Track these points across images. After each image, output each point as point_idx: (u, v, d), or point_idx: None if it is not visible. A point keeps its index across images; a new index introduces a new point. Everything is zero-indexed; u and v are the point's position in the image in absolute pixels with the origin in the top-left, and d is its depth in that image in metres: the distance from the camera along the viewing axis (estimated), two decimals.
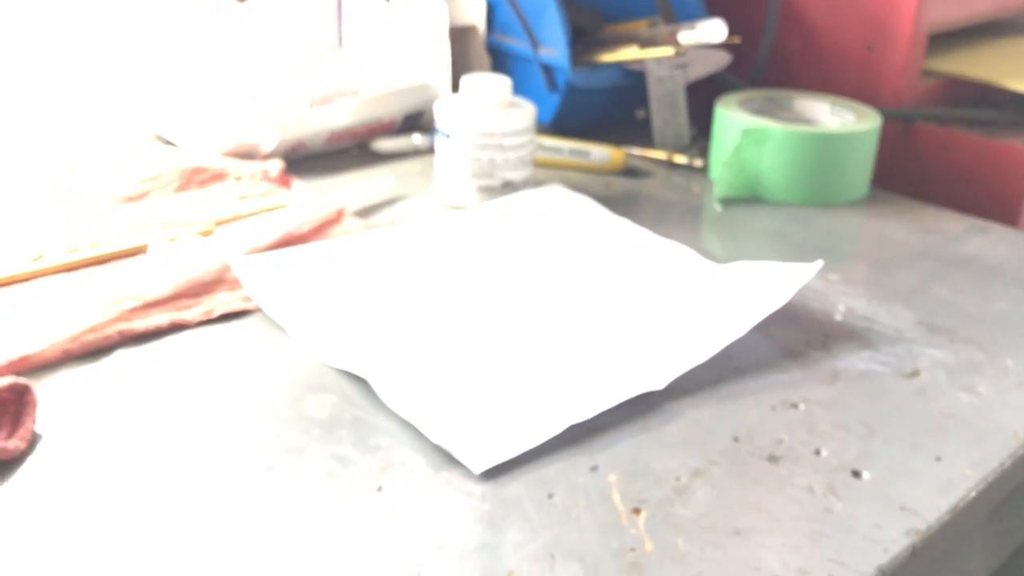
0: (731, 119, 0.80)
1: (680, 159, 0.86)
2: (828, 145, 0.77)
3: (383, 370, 0.51)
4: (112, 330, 0.54)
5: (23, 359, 0.51)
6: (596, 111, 0.91)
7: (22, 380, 0.47)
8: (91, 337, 0.53)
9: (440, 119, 0.74)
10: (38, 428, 0.47)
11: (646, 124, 0.91)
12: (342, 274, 0.61)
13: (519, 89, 0.81)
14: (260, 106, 0.81)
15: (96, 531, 0.40)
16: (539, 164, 0.83)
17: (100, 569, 0.38)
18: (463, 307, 0.58)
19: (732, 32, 0.83)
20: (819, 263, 0.59)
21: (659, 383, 0.51)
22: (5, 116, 0.86)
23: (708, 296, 0.59)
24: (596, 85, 0.87)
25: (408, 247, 0.66)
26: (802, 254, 0.69)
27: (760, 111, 0.85)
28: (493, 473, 0.44)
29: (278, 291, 0.59)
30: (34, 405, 0.47)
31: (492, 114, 0.73)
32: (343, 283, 0.60)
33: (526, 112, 0.74)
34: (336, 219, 0.70)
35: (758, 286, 0.58)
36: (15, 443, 0.45)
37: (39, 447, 0.46)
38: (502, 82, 0.74)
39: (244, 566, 0.38)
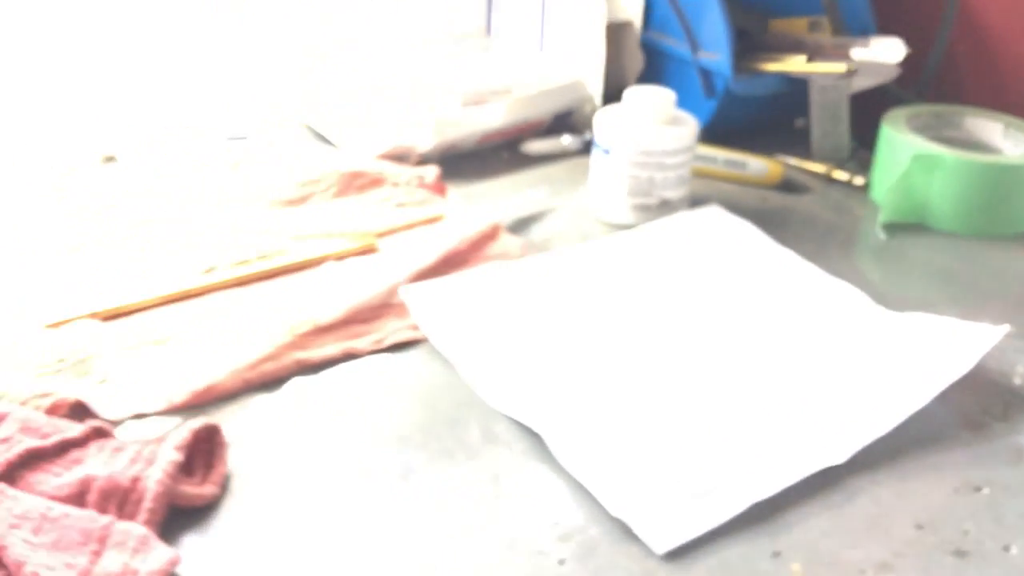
0: (900, 140, 0.76)
1: (840, 175, 0.82)
2: (1003, 175, 0.73)
3: (557, 425, 0.51)
4: (289, 359, 0.55)
5: (208, 389, 0.53)
6: (752, 118, 0.88)
7: (213, 421, 0.48)
8: (270, 367, 0.55)
9: (599, 133, 0.73)
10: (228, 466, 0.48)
11: (802, 133, 0.88)
12: (506, 304, 0.61)
13: (672, 89, 0.79)
14: (416, 107, 0.80)
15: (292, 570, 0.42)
16: (692, 173, 0.81)
17: None
18: (629, 350, 0.57)
19: (902, 37, 0.79)
20: (1006, 327, 0.56)
21: (841, 456, 0.50)
22: (165, 109, 0.87)
23: (886, 355, 0.57)
24: (756, 93, 0.84)
25: (569, 274, 0.65)
26: (972, 296, 0.66)
27: (927, 128, 0.81)
28: (675, 553, 0.44)
29: (445, 322, 0.59)
30: (225, 447, 0.48)
31: (654, 132, 0.71)
32: (508, 315, 0.60)
33: (688, 130, 0.72)
34: (492, 235, 0.70)
35: (941, 347, 0.56)
36: (211, 489, 0.46)
37: (230, 486, 0.47)
38: (666, 97, 0.72)
39: None
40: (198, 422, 0.48)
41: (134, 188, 0.73)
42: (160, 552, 0.41)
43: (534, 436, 0.51)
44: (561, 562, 0.44)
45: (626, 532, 0.45)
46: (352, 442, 0.50)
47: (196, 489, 0.46)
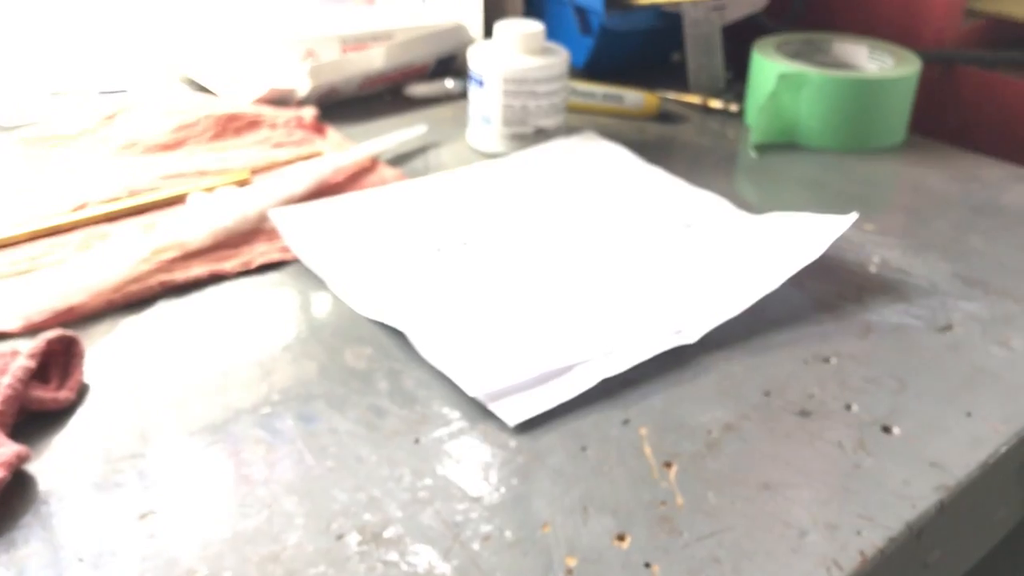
0: (768, 64, 0.78)
1: (715, 104, 0.85)
2: (866, 90, 0.76)
3: (419, 322, 0.51)
4: (154, 280, 0.55)
5: (69, 310, 0.52)
6: (630, 54, 0.90)
7: (69, 332, 0.48)
8: (134, 288, 0.55)
9: (473, 65, 0.74)
10: (85, 378, 0.48)
11: (681, 68, 0.90)
12: (378, 225, 0.62)
13: (551, 32, 0.80)
14: (294, 52, 0.81)
15: (141, 477, 0.42)
16: (572, 109, 0.82)
17: (149, 513, 0.40)
18: (496, 257, 0.59)
19: None
20: (854, 215, 0.59)
21: (692, 336, 0.51)
22: (41, 61, 0.86)
23: (742, 248, 0.59)
24: (631, 28, 0.86)
25: (442, 197, 0.66)
26: (838, 203, 0.69)
27: (797, 55, 0.83)
28: (527, 426, 0.45)
29: (316, 242, 0.59)
30: (81, 356, 0.48)
31: (525, 61, 0.72)
32: (379, 234, 0.61)
33: (560, 59, 0.73)
34: (370, 168, 0.71)
35: (793, 237, 0.58)
36: (65, 394, 0.46)
37: (87, 397, 0.47)
38: (535, 28, 0.73)
39: (281, 516, 0.40)
40: (53, 332, 0.48)
41: (7, 141, 0.72)
42: (6, 448, 0.41)
43: (398, 337, 0.52)
44: (416, 441, 0.44)
45: (483, 412, 0.46)
46: (214, 358, 0.51)
47: (50, 394, 0.46)
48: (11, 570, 0.37)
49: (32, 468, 0.42)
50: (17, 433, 0.43)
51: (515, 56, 0.72)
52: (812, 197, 0.70)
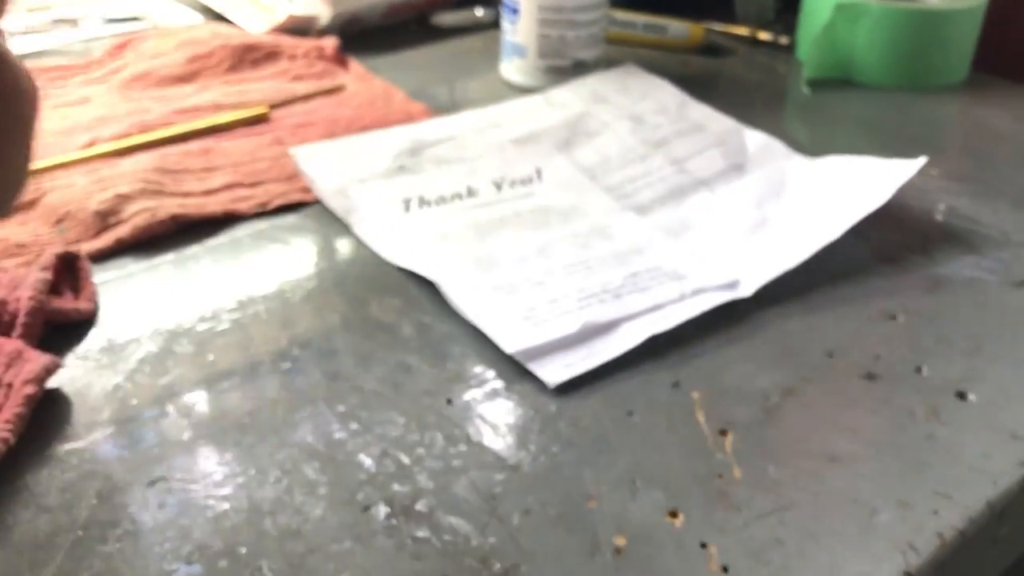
0: None
1: (764, 35, 0.79)
2: (930, 23, 0.70)
3: (452, 272, 0.48)
4: (165, 215, 0.51)
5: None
6: None
7: (72, 248, 0.46)
8: (142, 221, 0.51)
9: None
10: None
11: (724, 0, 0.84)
12: (406, 165, 0.58)
13: None
14: None
15: (149, 438, 0.38)
16: (611, 40, 0.77)
17: (160, 480, 0.36)
18: (536, 204, 0.54)
19: None
20: (922, 159, 0.54)
21: (747, 290, 0.47)
22: None
23: (800, 194, 0.55)
24: None
25: (474, 136, 0.61)
26: (899, 145, 0.64)
27: None
28: (568, 388, 0.41)
29: (339, 183, 0.55)
30: (89, 271, 0.47)
31: None
32: (407, 175, 0.57)
33: None
34: (393, 100, 0.66)
35: (855, 184, 0.53)
36: (85, 304, 0.45)
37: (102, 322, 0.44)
38: None
39: (302, 485, 0.36)
40: (58, 248, 0.45)
41: None
42: (36, 360, 0.38)
43: (429, 288, 0.48)
44: (448, 401, 0.41)
45: (521, 371, 0.42)
46: (230, 308, 0.47)
47: (71, 304, 0.44)
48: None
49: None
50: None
51: None
52: (869, 139, 0.65)
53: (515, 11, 0.68)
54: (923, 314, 0.47)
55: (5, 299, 0.42)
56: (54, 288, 0.44)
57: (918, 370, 0.43)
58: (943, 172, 0.61)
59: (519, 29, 0.68)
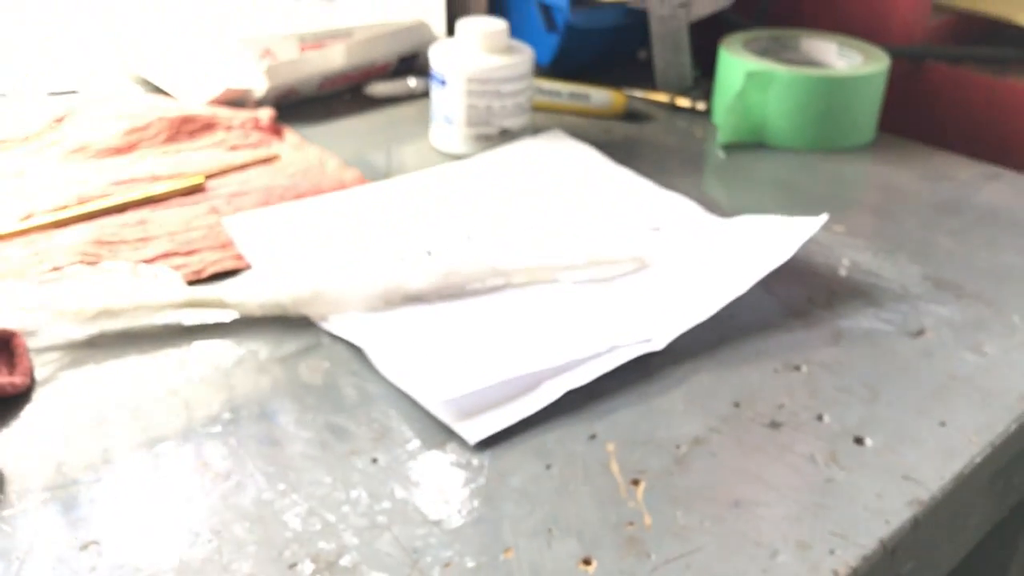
0: (735, 61, 0.77)
1: (683, 102, 0.83)
2: (835, 89, 0.75)
3: (376, 335, 0.50)
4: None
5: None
6: (596, 51, 0.88)
7: (7, 327, 0.47)
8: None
9: (435, 64, 0.72)
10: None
11: (647, 66, 0.88)
12: (337, 232, 0.60)
13: (516, 30, 0.79)
14: (250, 51, 0.78)
15: (82, 503, 0.40)
16: (537, 108, 0.81)
17: (91, 543, 0.38)
18: (456, 263, 0.57)
19: None
20: (824, 217, 0.58)
21: (659, 344, 0.50)
22: None
23: (710, 252, 0.58)
24: (596, 25, 0.84)
25: (404, 202, 0.64)
26: (807, 204, 0.68)
27: (765, 52, 0.82)
28: (489, 443, 0.43)
29: (271, 250, 0.57)
30: (25, 347, 0.47)
31: (489, 60, 0.70)
32: (337, 241, 0.59)
33: (524, 57, 0.72)
34: (326, 168, 0.69)
35: (762, 240, 0.57)
36: (20, 379, 0.45)
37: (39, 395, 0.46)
38: (499, 25, 0.71)
39: (231, 543, 0.38)
40: None
41: None
42: None
43: (356, 350, 0.50)
44: (374, 460, 0.43)
45: (443, 428, 0.44)
46: (162, 372, 0.48)
47: (6, 378, 0.44)
48: None
49: None
50: None
51: (478, 55, 0.71)
52: (781, 198, 0.69)
53: (443, 82, 0.71)
54: (826, 364, 0.50)
55: None
56: None
57: (819, 418, 0.46)
58: (848, 228, 0.64)
59: (447, 99, 0.71)
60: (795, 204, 0.68)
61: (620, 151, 0.74)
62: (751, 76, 0.75)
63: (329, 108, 0.81)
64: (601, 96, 0.81)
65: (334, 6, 0.88)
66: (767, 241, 0.56)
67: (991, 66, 0.85)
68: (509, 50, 0.72)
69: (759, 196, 0.70)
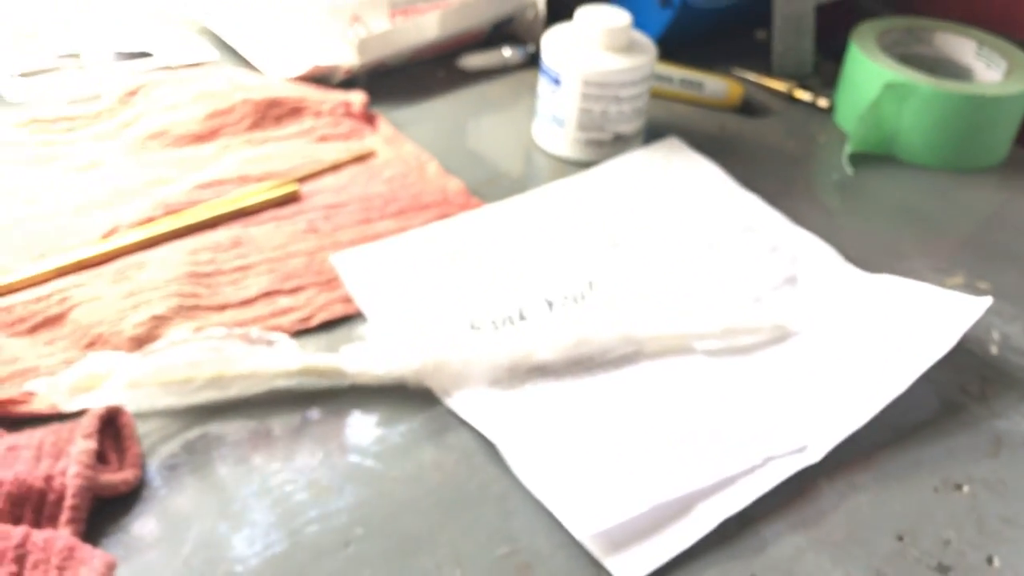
0: (871, 66, 0.70)
1: (802, 95, 0.76)
2: (978, 108, 0.68)
3: (508, 425, 0.46)
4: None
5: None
6: (708, 29, 0.81)
7: (113, 404, 0.43)
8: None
9: (547, 57, 0.65)
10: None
11: (761, 46, 0.81)
12: (452, 271, 0.55)
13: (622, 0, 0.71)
14: (339, 18, 0.71)
15: None
16: None
17: None
18: (587, 331, 0.52)
19: None
20: (987, 300, 0.52)
21: (816, 455, 0.46)
22: (50, 16, 0.76)
23: (858, 324, 0.53)
24: (715, 5, 0.77)
25: (516, 233, 0.59)
26: (942, 243, 0.62)
27: (897, 45, 0.75)
28: None
29: (384, 295, 0.53)
30: (132, 427, 0.44)
31: (609, 60, 0.64)
32: (455, 283, 0.54)
33: (647, 58, 0.65)
34: (428, 176, 0.63)
35: (919, 322, 0.52)
36: (133, 472, 0.42)
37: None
38: (622, 20, 0.64)
39: None
40: (99, 407, 0.43)
41: (12, 135, 0.63)
42: (93, 562, 0.36)
43: (486, 440, 0.46)
44: None
45: (594, 563, 0.41)
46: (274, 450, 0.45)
47: (117, 475, 0.41)
48: None
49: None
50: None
51: (597, 54, 0.64)
52: (914, 232, 0.64)
53: (556, 81, 0.65)
54: (988, 484, 0.46)
55: (50, 474, 0.39)
56: (98, 454, 0.42)
57: (989, 560, 0.43)
58: (994, 287, 0.59)
59: (559, 100, 0.65)
60: (929, 241, 0.63)
61: (735, 152, 0.69)
62: (889, 87, 0.68)
63: (420, 83, 0.75)
64: (716, 85, 0.75)
65: None
66: (925, 325, 0.52)
67: None
68: (630, 48, 0.65)
69: (888, 226, 0.64)
